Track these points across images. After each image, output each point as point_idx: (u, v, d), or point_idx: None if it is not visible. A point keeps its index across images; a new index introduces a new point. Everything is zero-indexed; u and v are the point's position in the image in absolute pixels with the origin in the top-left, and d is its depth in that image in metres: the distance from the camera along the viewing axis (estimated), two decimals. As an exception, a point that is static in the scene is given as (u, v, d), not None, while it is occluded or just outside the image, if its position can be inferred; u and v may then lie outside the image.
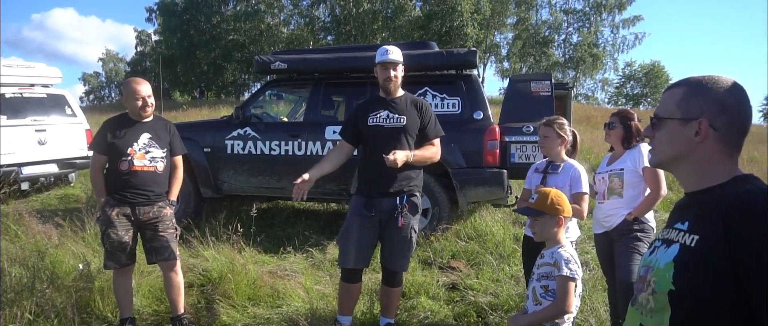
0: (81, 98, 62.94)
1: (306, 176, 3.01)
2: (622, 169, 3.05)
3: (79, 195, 7.86)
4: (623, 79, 44.50)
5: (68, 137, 8.00)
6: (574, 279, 2.08)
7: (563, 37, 39.58)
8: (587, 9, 38.35)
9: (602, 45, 39.02)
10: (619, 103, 42.46)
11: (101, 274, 3.65)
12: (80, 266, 3.84)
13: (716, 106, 1.13)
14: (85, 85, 69.94)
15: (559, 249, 2.16)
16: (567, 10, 39.04)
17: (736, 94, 1.14)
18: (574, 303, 2.11)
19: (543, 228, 2.23)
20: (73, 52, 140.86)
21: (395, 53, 3.10)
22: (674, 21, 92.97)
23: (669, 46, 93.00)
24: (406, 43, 5.89)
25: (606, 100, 42.82)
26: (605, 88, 43.64)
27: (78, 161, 8.07)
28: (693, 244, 1.08)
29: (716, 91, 1.14)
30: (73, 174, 8.56)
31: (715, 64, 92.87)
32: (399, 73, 3.14)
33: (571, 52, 39.04)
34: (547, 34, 38.92)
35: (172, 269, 3.30)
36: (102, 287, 3.58)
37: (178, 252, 3.38)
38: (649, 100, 43.19)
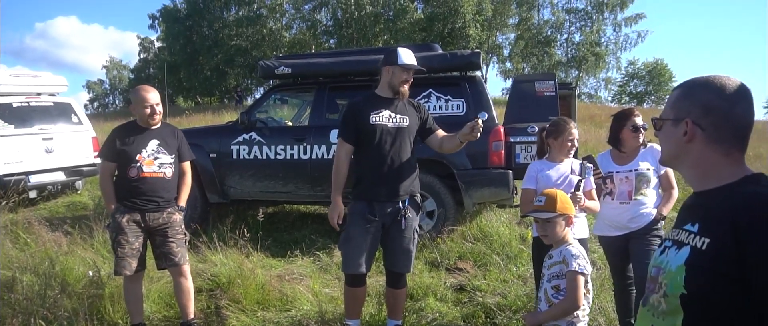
0: (86, 106, 63.11)
1: (340, 208, 3.09)
2: (649, 169, 3.05)
3: (86, 203, 7.92)
4: (626, 78, 44.33)
5: (75, 145, 8.07)
6: (583, 274, 2.10)
7: (565, 36, 39.50)
8: (589, 8, 38.25)
9: (605, 43, 38.90)
10: (623, 101, 42.30)
11: (111, 281, 3.69)
12: (90, 273, 3.87)
13: (700, 106, 1.16)
14: (89, 93, 70.24)
15: (567, 247, 2.19)
16: (569, 9, 38.96)
17: (726, 95, 1.15)
18: (587, 298, 2.13)
19: (554, 229, 2.25)
20: (76, 59, 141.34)
21: (414, 58, 3.12)
22: (677, 18, 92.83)
23: (672, 44, 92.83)
24: (409, 46, 5.92)
25: (609, 98, 42.68)
26: (608, 86, 43.53)
27: (85, 168, 8.13)
28: (704, 247, 1.08)
29: (704, 93, 1.17)
30: (80, 181, 8.61)
31: (718, 62, 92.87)
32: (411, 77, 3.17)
33: (573, 51, 38.94)
34: (549, 33, 38.85)
35: (182, 274, 3.33)
36: (112, 293, 3.61)
37: (187, 258, 3.41)
38: (652, 98, 43.04)
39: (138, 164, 3.22)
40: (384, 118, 3.09)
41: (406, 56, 3.08)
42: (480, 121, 2.82)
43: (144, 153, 3.25)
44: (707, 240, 1.08)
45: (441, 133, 3.25)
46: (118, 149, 3.24)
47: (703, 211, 1.15)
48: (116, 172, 3.30)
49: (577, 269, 2.10)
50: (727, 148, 1.16)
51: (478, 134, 2.87)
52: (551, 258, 2.25)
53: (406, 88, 3.14)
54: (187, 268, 3.37)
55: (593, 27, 38.09)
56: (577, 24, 39.12)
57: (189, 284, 3.38)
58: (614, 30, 38.88)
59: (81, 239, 4.70)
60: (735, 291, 1.01)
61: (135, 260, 3.22)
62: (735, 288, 1.01)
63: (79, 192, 8.62)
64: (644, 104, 40.17)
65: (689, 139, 1.18)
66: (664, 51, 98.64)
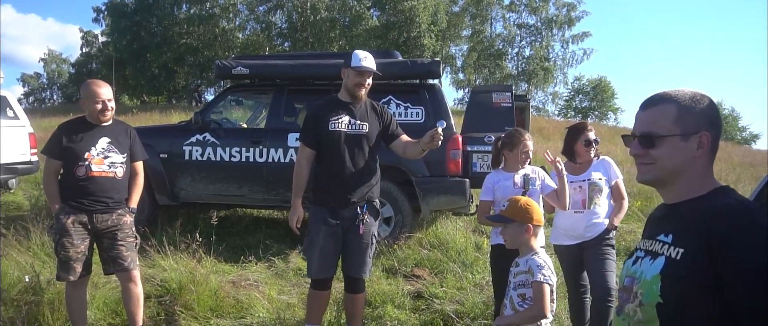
0: (20, 100, 59.23)
1: (300, 212, 3.09)
2: (600, 179, 3.16)
3: (20, 202, 7.43)
4: (572, 93, 46.10)
5: (10, 141, 7.54)
6: (548, 284, 2.14)
7: (516, 50, 40.70)
8: (539, 24, 39.66)
9: (553, 59, 40.37)
10: (569, 115, 43.90)
11: (51, 286, 3.46)
12: (27, 278, 3.62)
13: (708, 120, 1.18)
14: (24, 87, 66.12)
15: (533, 256, 2.23)
16: (520, 25, 40.24)
17: (716, 108, 1.21)
18: (551, 307, 2.17)
19: (513, 235, 2.29)
20: (10, 50, 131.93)
21: (372, 62, 3.07)
22: (620, 38, 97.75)
23: (615, 62, 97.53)
24: (370, 52, 5.91)
25: (556, 112, 44.24)
26: (556, 100, 45.09)
27: (20, 166, 7.61)
28: (678, 257, 1.11)
29: (704, 107, 1.19)
30: (14, 180, 8.08)
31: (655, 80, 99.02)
32: (370, 81, 3.13)
33: (523, 64, 40.16)
34: (500, 47, 39.91)
35: (132, 280, 3.16)
36: (52, 300, 3.39)
37: (137, 262, 3.24)
38: (596, 113, 44.88)
39: (86, 162, 3.03)
40: (343, 124, 3.06)
41: (361, 59, 3.05)
42: (440, 130, 2.83)
43: (93, 151, 3.07)
44: (681, 250, 1.12)
45: (405, 138, 3.23)
46: (65, 146, 3.04)
47: (677, 222, 1.18)
48: (62, 171, 3.11)
49: (542, 279, 2.13)
50: (713, 158, 1.21)
51: (439, 142, 2.87)
52: (518, 266, 2.29)
53: (361, 92, 3.09)
54: (137, 273, 3.20)
55: (543, 42, 39.46)
56: (528, 39, 40.43)
57: (139, 290, 3.21)
58: (562, 46, 40.46)
59: (17, 241, 4.39)
60: (710, 299, 1.05)
61: (80, 264, 3.03)
62: (710, 295, 1.05)
63: (12, 191, 8.09)
64: (589, 118, 41.81)
65: (704, 152, 1.19)
66: (607, 68, 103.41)
